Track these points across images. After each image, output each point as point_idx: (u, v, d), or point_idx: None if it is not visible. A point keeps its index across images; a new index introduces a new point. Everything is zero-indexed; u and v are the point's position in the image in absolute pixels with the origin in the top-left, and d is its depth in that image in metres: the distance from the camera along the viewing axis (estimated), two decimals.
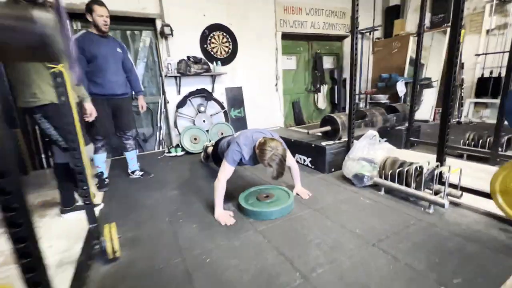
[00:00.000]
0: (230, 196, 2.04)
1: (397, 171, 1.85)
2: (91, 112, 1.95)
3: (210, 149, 2.70)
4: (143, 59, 3.80)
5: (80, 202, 1.99)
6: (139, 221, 1.78)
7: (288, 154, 1.94)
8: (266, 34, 4.52)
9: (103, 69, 2.23)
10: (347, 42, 5.59)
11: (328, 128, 2.67)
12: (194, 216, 1.79)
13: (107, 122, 2.35)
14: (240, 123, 4.39)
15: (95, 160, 2.46)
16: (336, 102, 5.71)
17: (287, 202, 1.76)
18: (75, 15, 3.03)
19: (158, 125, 3.95)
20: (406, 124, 3.17)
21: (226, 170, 1.74)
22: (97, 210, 1.97)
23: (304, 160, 2.74)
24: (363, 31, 5.36)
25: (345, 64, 5.73)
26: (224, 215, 1.72)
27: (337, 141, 2.60)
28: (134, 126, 2.62)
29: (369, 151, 2.14)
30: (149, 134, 3.97)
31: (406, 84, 4.84)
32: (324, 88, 5.54)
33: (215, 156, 2.32)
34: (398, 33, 5.36)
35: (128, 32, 3.68)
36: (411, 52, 5.11)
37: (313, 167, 2.63)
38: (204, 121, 3.96)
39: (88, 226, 1.45)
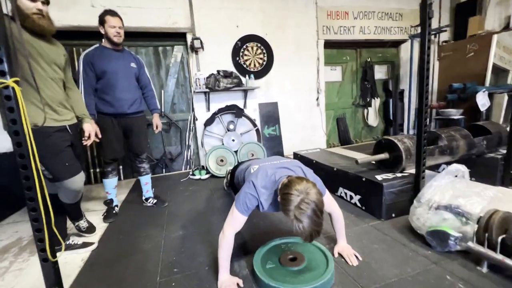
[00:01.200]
0: (243, 249, 1.52)
1: None
2: (90, 134, 1.67)
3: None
4: (174, 75, 3.63)
5: (74, 239, 1.69)
6: (124, 277, 1.38)
7: (328, 196, 1.35)
8: (306, 43, 4.02)
9: (112, 85, 1.99)
10: (404, 47, 4.73)
11: (385, 156, 1.99)
12: (191, 278, 1.31)
13: (116, 144, 2.09)
14: (274, 143, 3.88)
15: (105, 186, 2.21)
16: (391, 118, 4.81)
17: (324, 275, 1.16)
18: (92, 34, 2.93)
19: (187, 144, 3.70)
20: (502, 151, 2.26)
21: (234, 220, 1.23)
22: (88, 252, 1.64)
23: (351, 197, 2.08)
24: None
25: (402, 74, 4.84)
26: (229, 284, 1.20)
27: (399, 175, 1.89)
28: (147, 147, 2.33)
29: (457, 197, 1.41)
30: (177, 153, 3.73)
31: (489, 95, 3.77)
32: (376, 102, 4.72)
33: (233, 187, 1.85)
34: (475, 33, 4.32)
35: (160, 48, 3.57)
36: (501, 50, 4.03)
37: (363, 208, 1.95)
38: (233, 140, 3.57)
39: None
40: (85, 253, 1.63)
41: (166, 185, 2.98)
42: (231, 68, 3.63)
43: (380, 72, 4.85)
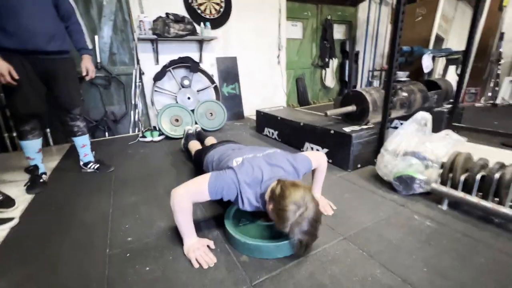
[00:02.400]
0: (210, 209, 1.36)
1: (479, 176, 1.17)
2: None
3: (193, 144, 1.97)
4: (110, 17, 2.94)
5: None
6: (58, 255, 1.09)
7: (312, 156, 1.25)
8: None
9: (15, 7, 1.42)
10: (362, 7, 4.71)
11: (352, 108, 1.95)
12: (151, 247, 1.11)
13: (31, 93, 1.57)
14: (234, 102, 3.62)
15: (24, 149, 1.73)
16: (347, 79, 4.93)
17: None
18: None
19: (133, 102, 3.18)
20: (447, 106, 2.46)
21: (197, 191, 1.02)
22: (4, 230, 1.27)
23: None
24: None
25: (359, 35, 4.89)
26: (197, 247, 1.03)
27: (365, 127, 1.89)
28: (79, 100, 1.83)
29: (423, 143, 1.44)
30: (122, 113, 3.20)
31: (433, 58, 4.07)
32: (334, 63, 4.73)
33: (198, 162, 1.61)
34: None
35: None
36: (440, 19, 4.28)
37: (330, 161, 1.93)
38: (189, 98, 3.19)
39: None
40: (0, 231, 1.25)
41: (111, 149, 2.55)
42: (182, 12, 3.09)
43: (338, 32, 4.80)
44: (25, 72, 1.53)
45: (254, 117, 3.18)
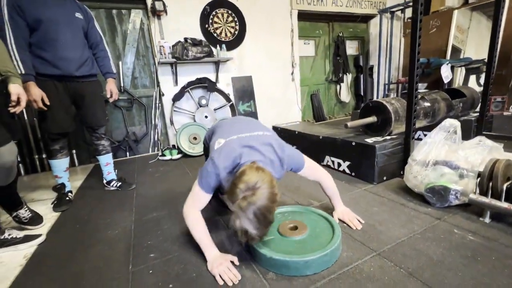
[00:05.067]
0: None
1: None
2: (19, 97, 1.26)
3: None
4: (133, 44, 3.15)
5: (12, 233, 1.32)
6: (83, 271, 1.08)
7: (310, 166, 1.21)
8: (280, 12, 3.78)
9: (52, 39, 1.55)
10: (373, 23, 4.77)
11: (373, 119, 1.90)
12: (174, 263, 1.08)
13: (62, 114, 1.68)
14: None
15: (53, 168, 1.80)
16: (362, 93, 4.88)
17: (333, 241, 1.01)
18: None
19: (153, 122, 3.29)
20: (474, 114, 2.35)
21: (196, 197, 1.04)
22: (32, 246, 1.29)
23: (339, 165, 1.98)
24: (393, 10, 4.54)
25: (372, 49, 4.90)
26: (220, 262, 0.99)
27: (388, 137, 1.83)
28: (105, 119, 1.93)
29: (454, 152, 1.36)
30: (142, 134, 3.32)
31: (451, 68, 3.97)
32: (348, 78, 4.73)
33: (206, 154, 1.61)
34: (437, 9, 4.48)
35: (114, 12, 3.04)
36: (455, 30, 4.23)
37: (353, 174, 1.86)
38: (206, 116, 3.27)
39: None
40: (29, 248, 1.28)
41: (132, 168, 2.61)
42: (200, 36, 3.26)
43: (351, 48, 4.84)
44: (57, 95, 1.64)
45: None
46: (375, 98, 5.04)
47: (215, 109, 3.38)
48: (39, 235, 1.35)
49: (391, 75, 4.87)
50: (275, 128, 2.86)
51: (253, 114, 3.70)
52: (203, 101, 3.25)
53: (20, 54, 1.46)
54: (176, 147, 2.91)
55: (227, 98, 3.45)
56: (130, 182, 2.07)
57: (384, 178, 1.73)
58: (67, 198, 1.80)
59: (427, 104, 2.01)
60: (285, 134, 2.67)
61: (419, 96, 1.99)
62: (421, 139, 1.58)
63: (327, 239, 1.05)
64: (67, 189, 1.85)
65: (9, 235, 1.29)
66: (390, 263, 0.96)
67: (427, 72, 4.33)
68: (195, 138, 2.94)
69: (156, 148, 3.30)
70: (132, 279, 1.01)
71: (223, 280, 0.93)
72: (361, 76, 4.79)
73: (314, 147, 2.22)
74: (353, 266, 0.96)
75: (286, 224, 1.15)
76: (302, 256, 0.95)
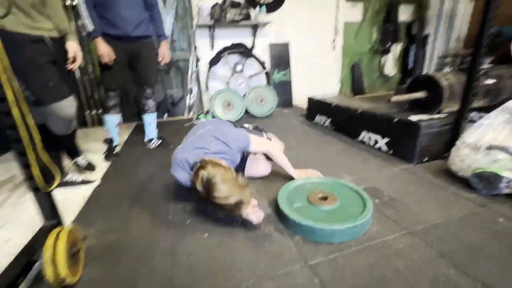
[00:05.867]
0: (262, 189, 1.37)
1: None
2: (75, 54, 1.36)
3: None
4: (172, 6, 3.12)
5: (73, 176, 1.53)
6: (130, 214, 1.24)
7: (256, 142, 1.31)
8: None
9: (112, 1, 1.63)
10: None
11: (422, 94, 1.73)
12: (211, 217, 1.17)
13: (118, 73, 1.83)
14: (283, 89, 3.57)
15: (105, 123, 2.00)
16: (410, 67, 4.41)
17: (363, 216, 1.01)
18: None
19: (189, 87, 3.37)
20: None
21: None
22: (89, 188, 1.49)
23: (376, 142, 1.89)
24: None
25: (430, 16, 4.28)
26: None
27: (435, 116, 1.67)
28: (156, 81, 2.04)
29: None
30: (179, 97, 3.43)
31: None
32: (397, 48, 4.26)
33: None
34: None
35: None
36: None
37: (391, 152, 1.77)
38: (240, 83, 3.25)
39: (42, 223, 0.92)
40: (87, 190, 1.48)
41: (169, 129, 2.76)
42: None
43: (404, 13, 4.28)
44: (116, 54, 1.75)
45: (303, 106, 3.09)
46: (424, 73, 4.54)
47: (249, 76, 3.34)
48: (94, 180, 1.54)
49: (449, 47, 4.29)
50: (310, 99, 2.76)
51: (288, 84, 3.59)
52: (238, 67, 3.21)
53: (89, 13, 1.58)
54: (210, 112, 2.99)
55: (263, 65, 3.36)
56: (168, 142, 2.22)
57: (425, 159, 1.63)
58: (115, 152, 2.00)
59: (490, 81, 1.76)
60: (320, 106, 2.57)
61: (482, 72, 1.74)
62: (473, 121, 1.43)
63: (357, 211, 1.06)
64: (115, 143, 2.04)
65: (71, 177, 1.50)
66: (422, 242, 0.95)
67: (495, 45, 3.72)
68: (228, 105, 2.97)
69: (191, 112, 3.42)
70: (172, 226, 1.13)
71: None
72: (413, 46, 4.29)
73: (351, 122, 2.12)
74: (382, 240, 0.97)
75: (316, 193, 1.17)
76: (330, 225, 0.97)
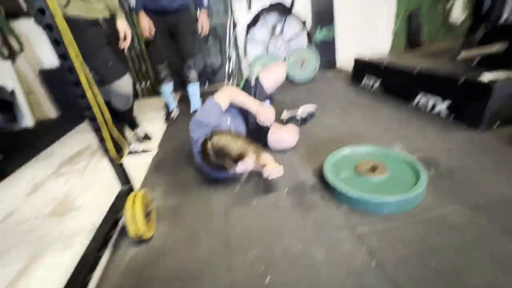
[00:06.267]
0: (307, 157, 1.38)
1: None
2: (125, 32, 1.43)
3: None
4: None
5: (134, 146, 1.72)
6: (185, 179, 1.38)
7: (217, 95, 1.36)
8: None
9: None
10: None
11: (500, 47, 1.45)
12: (255, 187, 1.25)
13: (162, 46, 1.93)
14: (326, 49, 3.30)
15: (162, 92, 2.21)
16: (485, 11, 3.63)
17: (415, 189, 0.97)
18: None
19: (227, 53, 3.34)
20: None
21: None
22: (149, 156, 1.68)
23: (434, 106, 1.69)
24: None
25: None
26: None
27: None
28: (195, 52, 2.10)
29: None
30: (218, 65, 3.44)
31: None
32: None
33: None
34: None
35: None
36: None
37: (452, 116, 1.59)
38: (280, 46, 3.09)
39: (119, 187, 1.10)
40: (147, 158, 1.67)
41: None
42: None
43: None
44: (158, 28, 1.83)
45: (348, 68, 2.85)
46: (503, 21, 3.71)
47: (289, 39, 3.14)
48: (152, 150, 1.72)
49: None
50: (357, 61, 2.52)
51: (331, 44, 3.30)
52: (277, 29, 3.03)
53: None
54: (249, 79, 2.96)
55: (303, 24, 3.11)
56: None
57: (496, 125, 1.42)
58: (172, 116, 2.24)
59: None
60: (368, 68, 2.35)
61: None
62: None
63: (409, 183, 1.01)
64: (172, 108, 2.27)
65: (133, 147, 1.70)
66: (483, 218, 0.88)
67: None
68: None
69: (230, 79, 3.44)
70: (222, 193, 1.24)
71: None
72: None
73: (404, 83, 1.92)
74: (435, 214, 0.93)
75: (364, 164, 1.14)
76: (379, 196, 0.95)
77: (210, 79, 3.44)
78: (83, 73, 0.82)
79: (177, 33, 1.94)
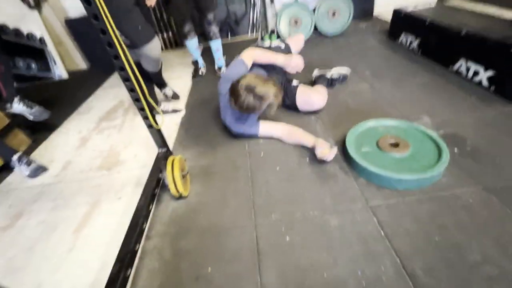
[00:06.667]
0: (331, 127, 1.41)
1: None
2: None
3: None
4: None
5: (165, 106, 1.82)
6: (215, 141, 1.49)
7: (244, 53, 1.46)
8: None
9: None
10: None
11: None
12: (281, 149, 1.33)
13: (181, 3, 1.82)
14: None
15: (188, 47, 2.20)
16: None
17: (433, 170, 1.01)
18: None
19: (251, 1, 3.08)
20: None
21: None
22: (178, 116, 1.78)
23: (476, 73, 1.56)
24: None
25: None
26: (322, 145, 1.20)
27: None
28: (214, 5, 1.98)
29: None
30: (242, 14, 3.21)
31: None
32: None
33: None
34: None
35: None
36: None
37: (492, 89, 1.48)
38: None
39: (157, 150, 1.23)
40: (177, 118, 1.77)
41: (233, 54, 2.75)
42: None
43: None
44: None
45: (386, 18, 2.56)
46: None
47: None
48: (181, 110, 1.82)
49: None
50: (397, 13, 2.25)
51: None
52: None
53: None
54: (275, 32, 2.78)
55: None
56: None
57: None
58: (200, 73, 2.28)
59: None
60: (409, 22, 2.10)
61: None
62: None
63: (430, 162, 1.05)
64: (199, 65, 2.29)
65: (163, 107, 1.80)
66: (497, 201, 0.93)
67: None
68: (296, 22, 2.69)
69: (254, 30, 3.25)
70: (249, 155, 1.34)
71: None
72: None
73: (446, 45, 1.74)
74: (450, 193, 0.98)
75: (387, 138, 1.17)
76: (396, 173, 1.01)
77: (233, 30, 3.26)
78: (115, 34, 0.86)
79: None
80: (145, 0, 1.40)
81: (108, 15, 0.84)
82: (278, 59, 1.44)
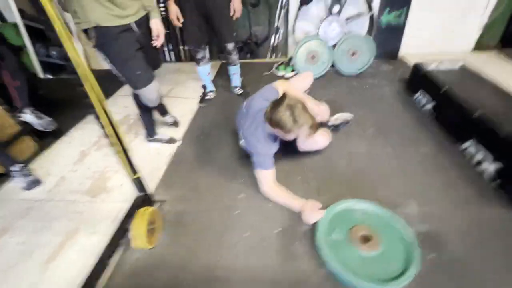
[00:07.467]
0: (318, 192, 1.38)
1: None
2: (158, 33, 1.42)
3: None
4: None
5: (161, 136, 1.86)
6: (203, 185, 1.51)
7: (285, 84, 1.58)
8: None
9: None
10: None
11: None
12: (262, 203, 1.33)
13: (195, 30, 1.89)
14: (391, 35, 2.81)
15: (198, 73, 2.24)
16: None
17: (399, 281, 0.95)
18: None
19: (276, 25, 3.06)
20: None
21: (266, 179, 1.34)
22: (174, 148, 1.82)
23: (482, 160, 1.44)
24: None
25: None
26: (309, 209, 1.22)
27: None
28: (232, 37, 2.00)
29: None
30: (264, 36, 3.20)
31: None
32: None
33: None
34: None
35: None
36: None
37: (497, 182, 1.36)
38: (334, 29, 2.70)
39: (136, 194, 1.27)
40: (172, 148, 1.81)
41: (248, 77, 2.75)
42: None
43: None
44: (190, 13, 1.79)
45: (409, 62, 2.45)
46: None
47: (347, 19, 2.70)
48: (177, 140, 1.85)
49: None
50: (417, 68, 2.13)
51: (399, 28, 2.77)
52: (335, 8, 2.60)
53: None
54: (291, 64, 2.75)
55: (369, 5, 2.61)
56: (248, 91, 2.36)
57: None
58: (206, 97, 2.31)
59: None
60: (429, 83, 1.95)
61: None
62: None
63: (398, 268, 1.00)
64: (208, 90, 2.32)
65: (160, 135, 1.84)
66: None
67: None
68: (313, 57, 2.63)
69: (273, 55, 3.23)
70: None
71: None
72: None
73: (460, 121, 1.62)
74: None
75: (359, 229, 1.12)
76: (357, 280, 0.95)
77: (254, 51, 3.26)
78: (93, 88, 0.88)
79: (213, 18, 1.84)
80: (152, 43, 1.44)
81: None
82: (308, 102, 1.39)
